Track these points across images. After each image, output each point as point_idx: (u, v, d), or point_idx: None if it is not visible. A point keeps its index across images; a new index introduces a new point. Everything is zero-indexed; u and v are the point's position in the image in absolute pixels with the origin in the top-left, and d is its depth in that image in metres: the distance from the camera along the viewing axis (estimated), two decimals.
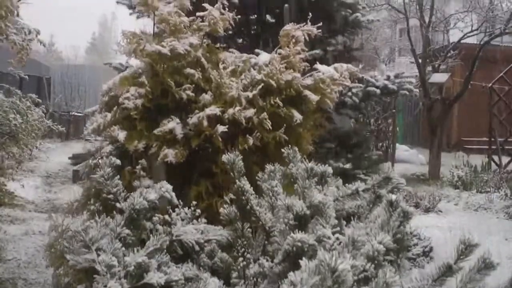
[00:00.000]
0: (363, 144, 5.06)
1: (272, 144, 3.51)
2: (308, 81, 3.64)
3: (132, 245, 2.80)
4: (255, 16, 4.82)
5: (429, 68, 11.84)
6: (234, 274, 2.61)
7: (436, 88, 11.44)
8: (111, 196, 3.04)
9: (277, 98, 3.47)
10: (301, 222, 2.57)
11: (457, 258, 2.19)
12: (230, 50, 4.19)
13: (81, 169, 3.90)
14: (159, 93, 3.52)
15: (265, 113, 3.39)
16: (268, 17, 4.75)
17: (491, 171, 10.62)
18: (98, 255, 2.59)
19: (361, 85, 4.28)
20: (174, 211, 3.11)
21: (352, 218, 2.94)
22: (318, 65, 3.70)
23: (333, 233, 2.46)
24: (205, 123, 3.31)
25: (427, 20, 11.00)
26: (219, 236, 2.95)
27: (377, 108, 11.42)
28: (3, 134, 6.27)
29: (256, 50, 4.04)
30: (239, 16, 3.73)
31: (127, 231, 2.72)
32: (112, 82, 3.66)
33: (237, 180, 2.71)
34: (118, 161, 3.13)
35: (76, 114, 17.96)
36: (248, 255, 2.66)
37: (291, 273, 1.96)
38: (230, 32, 4.01)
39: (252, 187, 2.92)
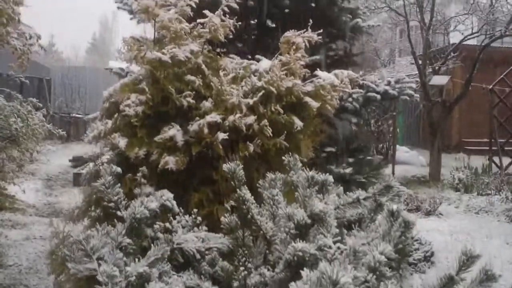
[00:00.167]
0: (364, 148, 5.05)
1: (272, 151, 3.52)
2: (309, 87, 3.64)
3: (133, 253, 2.80)
4: (255, 20, 4.82)
5: (429, 70, 11.84)
6: (235, 283, 2.61)
7: (436, 90, 11.44)
8: (112, 204, 3.05)
9: (277, 105, 3.47)
10: (302, 231, 2.57)
11: (458, 269, 2.19)
12: (230, 56, 4.19)
13: (82, 176, 3.89)
14: (160, 100, 3.52)
15: (265, 120, 3.39)
16: (268, 21, 4.75)
17: (492, 174, 10.62)
18: (99, 264, 2.59)
19: (361, 90, 4.27)
20: (174, 218, 3.12)
21: (353, 225, 2.96)
22: (318, 72, 3.70)
23: (334, 242, 2.46)
24: (206, 130, 3.31)
25: (427, 22, 11.00)
26: (220, 244, 2.95)
27: (377, 110, 11.42)
28: (4, 138, 6.27)
29: (257, 56, 4.05)
30: (240, 23, 3.71)
31: (128, 240, 2.72)
32: (113, 89, 3.66)
33: (238, 189, 2.70)
34: (119, 169, 3.13)
35: (76, 115, 17.98)
36: (249, 264, 2.66)
37: (293, 283, 1.97)
38: (230, 36, 4.00)
39: (252, 194, 2.93)
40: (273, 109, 3.46)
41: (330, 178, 2.80)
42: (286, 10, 4.61)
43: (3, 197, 6.36)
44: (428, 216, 7.31)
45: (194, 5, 3.74)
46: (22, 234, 5.54)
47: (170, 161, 3.32)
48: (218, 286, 2.61)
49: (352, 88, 3.89)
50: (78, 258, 2.80)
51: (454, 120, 16.48)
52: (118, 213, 3.00)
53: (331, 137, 4.78)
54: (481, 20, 12.21)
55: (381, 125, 13.57)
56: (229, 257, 2.87)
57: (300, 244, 2.41)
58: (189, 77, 3.50)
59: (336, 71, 3.77)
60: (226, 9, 3.67)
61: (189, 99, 3.46)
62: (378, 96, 4.36)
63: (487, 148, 12.06)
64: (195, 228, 3.13)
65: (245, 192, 2.70)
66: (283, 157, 3.09)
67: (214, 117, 3.34)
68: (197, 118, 3.42)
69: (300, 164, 3.07)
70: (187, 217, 3.14)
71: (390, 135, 13.55)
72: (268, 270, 2.56)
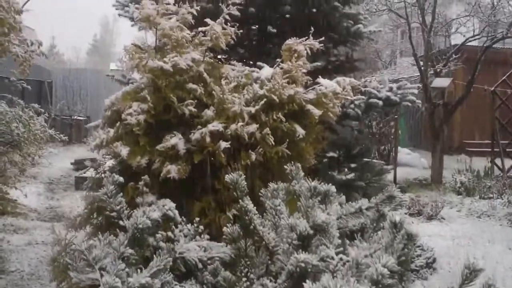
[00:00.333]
0: (366, 153, 5.05)
1: (274, 159, 3.52)
2: (311, 95, 3.64)
3: (136, 264, 2.80)
4: (257, 26, 4.82)
5: (431, 72, 11.83)
6: None
7: (438, 92, 11.43)
8: (114, 214, 3.05)
9: (279, 113, 3.47)
10: (304, 242, 2.58)
11: (461, 283, 2.18)
12: (232, 62, 4.19)
13: (84, 184, 3.89)
14: (162, 109, 3.52)
15: (267, 129, 3.39)
16: (269, 28, 4.74)
17: (494, 176, 10.60)
18: (102, 275, 2.60)
19: (363, 97, 4.27)
20: (177, 227, 3.12)
21: (355, 235, 2.96)
22: (320, 79, 3.70)
23: (337, 253, 2.46)
24: (208, 139, 3.31)
25: (428, 24, 11.00)
26: (222, 254, 2.94)
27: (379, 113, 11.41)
28: (6, 143, 6.28)
29: (258, 63, 4.04)
30: (241, 31, 3.71)
31: (130, 250, 2.72)
32: (114, 97, 3.66)
33: (240, 200, 2.71)
34: (121, 179, 3.13)
35: (78, 118, 17.99)
36: (251, 275, 2.66)
37: None
38: (232, 43, 4.00)
39: (254, 202, 2.93)
40: (275, 117, 3.46)
41: (333, 189, 2.80)
42: (287, 16, 4.59)
43: (5, 202, 6.36)
44: (430, 220, 7.30)
45: (195, 13, 3.74)
46: (24, 239, 5.54)
47: (172, 170, 3.32)
48: None
49: (354, 95, 3.88)
50: (80, 268, 2.81)
51: (456, 122, 16.45)
52: (121, 222, 3.00)
53: (333, 142, 4.78)
54: (483, 22, 12.19)
55: (382, 127, 13.56)
56: (231, 266, 2.87)
57: (302, 255, 2.41)
58: (191, 85, 3.51)
59: (338, 78, 3.77)
60: (227, 17, 3.67)
61: (191, 107, 3.46)
62: (380, 102, 4.35)
63: (489, 149, 12.05)
64: (197, 237, 3.13)
65: (248, 203, 2.70)
66: (285, 166, 3.10)
67: (216, 125, 3.34)
68: (199, 126, 3.42)
69: (302, 173, 3.07)
70: (189, 226, 3.14)
71: (392, 137, 13.53)
72: (270, 281, 2.56)
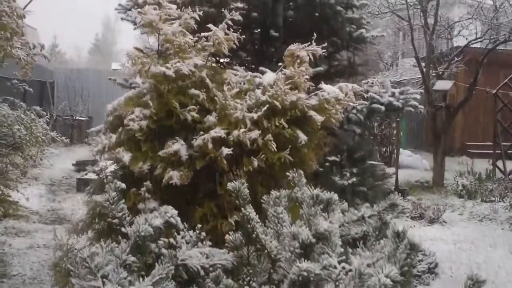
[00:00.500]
0: (368, 158, 5.04)
1: (277, 165, 3.51)
2: (313, 101, 3.63)
3: (138, 271, 2.80)
4: (259, 30, 4.81)
5: (433, 74, 11.82)
6: None
7: (440, 95, 11.42)
8: (116, 220, 3.05)
9: (282, 119, 3.46)
10: (306, 250, 2.57)
11: None
12: (234, 67, 4.19)
13: (86, 190, 3.89)
14: (164, 114, 3.51)
15: (270, 135, 3.39)
16: (272, 32, 4.74)
17: (496, 179, 10.58)
18: (104, 283, 2.59)
19: (365, 102, 4.27)
20: (179, 233, 3.12)
21: (358, 243, 2.96)
22: (323, 85, 3.69)
23: (339, 262, 2.46)
24: (210, 145, 3.31)
25: (431, 27, 10.99)
26: (224, 261, 2.94)
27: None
28: (7, 145, 6.28)
29: (261, 68, 4.04)
30: (243, 36, 3.71)
31: (132, 258, 2.71)
32: (117, 102, 3.66)
33: (242, 208, 2.70)
34: (123, 185, 3.13)
35: (79, 118, 17.99)
36: (254, 284, 2.66)
37: None
38: (234, 47, 4.00)
39: (257, 208, 2.93)
40: (277, 123, 3.45)
41: (335, 197, 2.80)
42: (290, 20, 4.59)
43: (7, 204, 6.35)
44: (431, 224, 7.29)
45: (198, 18, 3.74)
46: (26, 243, 5.53)
47: (175, 176, 3.32)
48: None
49: (356, 100, 3.88)
50: (82, 275, 2.80)
51: (457, 123, 16.43)
52: (123, 229, 3.00)
53: (335, 146, 4.77)
54: (485, 25, 12.18)
55: (384, 129, 13.55)
56: (233, 274, 2.87)
57: (305, 264, 2.41)
58: (193, 91, 3.50)
59: (341, 84, 3.77)
60: (230, 22, 3.66)
61: (193, 113, 3.45)
62: (382, 108, 4.34)
63: (491, 151, 12.03)
64: (199, 244, 3.13)
65: (250, 211, 2.70)
66: (288, 173, 3.10)
67: (219, 132, 3.34)
68: (201, 132, 3.42)
69: (305, 180, 3.07)
70: (191, 232, 3.13)
71: (394, 138, 13.52)
72: None
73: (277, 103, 3.44)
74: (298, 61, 3.64)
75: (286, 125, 3.47)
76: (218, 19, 4.20)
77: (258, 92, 3.53)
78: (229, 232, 2.90)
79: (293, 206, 3.01)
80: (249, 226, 2.67)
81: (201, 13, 3.75)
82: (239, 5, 4.62)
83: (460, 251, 5.91)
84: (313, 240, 2.53)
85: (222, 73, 3.76)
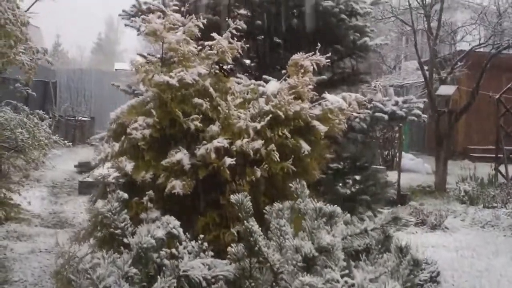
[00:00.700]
0: (370, 165, 5.03)
1: (280, 175, 3.50)
2: (316, 110, 3.62)
3: (139, 283, 2.80)
4: (262, 36, 4.80)
5: (436, 78, 11.81)
6: None
7: (442, 99, 11.41)
8: (118, 231, 3.05)
9: (285, 129, 3.46)
10: (309, 264, 2.57)
11: None
12: (238, 75, 4.18)
13: (89, 198, 3.88)
14: (167, 123, 3.51)
15: (273, 145, 3.38)
16: (276, 40, 4.73)
17: (498, 184, 10.56)
18: None
19: (369, 111, 4.26)
20: (181, 244, 3.11)
21: (360, 255, 2.95)
22: (326, 95, 3.68)
23: (342, 276, 2.45)
24: (213, 155, 3.30)
25: (434, 32, 10.98)
26: (226, 272, 2.93)
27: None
28: (10, 148, 6.30)
29: (264, 76, 4.03)
30: (248, 45, 3.71)
31: (134, 270, 2.72)
32: (120, 110, 3.65)
33: (245, 221, 2.70)
34: (126, 195, 3.13)
35: (82, 119, 18.01)
36: None
37: None
38: (238, 55, 3.99)
39: (259, 218, 2.92)
40: (280, 133, 3.45)
41: (338, 210, 2.79)
42: (294, 28, 4.58)
43: (9, 208, 6.37)
44: (433, 230, 7.27)
45: (201, 26, 3.73)
46: (28, 247, 5.53)
47: (177, 186, 3.32)
48: None
49: (359, 109, 3.87)
50: (84, 286, 2.81)
51: (459, 127, 16.41)
52: (125, 240, 3.00)
53: (337, 154, 4.75)
54: (489, 31, 12.17)
55: (386, 133, 13.53)
56: (235, 284, 2.87)
57: (307, 278, 2.41)
58: (197, 100, 3.50)
59: (344, 94, 3.76)
60: (233, 31, 3.66)
61: (196, 122, 3.45)
62: (386, 117, 4.33)
63: (493, 155, 12.01)
64: (202, 254, 3.13)
65: (253, 224, 2.69)
66: (290, 184, 3.09)
67: (222, 141, 3.33)
68: (204, 142, 3.42)
69: (308, 191, 3.06)
70: (193, 242, 3.13)
71: (396, 142, 13.50)
72: None
73: (281, 113, 3.43)
74: (302, 70, 3.63)
75: (289, 135, 3.46)
76: (222, 26, 4.20)
77: (262, 101, 3.52)
78: (232, 244, 2.90)
79: (296, 217, 3.02)
80: (251, 239, 2.67)
81: (205, 21, 3.75)
82: (243, 12, 4.64)
83: (462, 259, 5.89)
84: (316, 254, 2.53)
85: (225, 82, 3.76)
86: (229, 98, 3.52)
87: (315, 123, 3.56)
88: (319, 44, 3.66)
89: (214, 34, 3.61)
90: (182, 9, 3.77)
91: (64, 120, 16.90)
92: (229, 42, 3.65)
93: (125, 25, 4.56)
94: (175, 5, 3.66)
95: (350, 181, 4.96)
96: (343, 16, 4.44)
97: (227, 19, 3.72)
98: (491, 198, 8.90)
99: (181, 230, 3.04)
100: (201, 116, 3.48)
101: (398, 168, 11.04)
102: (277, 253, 2.72)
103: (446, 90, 11.34)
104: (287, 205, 2.94)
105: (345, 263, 2.57)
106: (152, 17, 3.51)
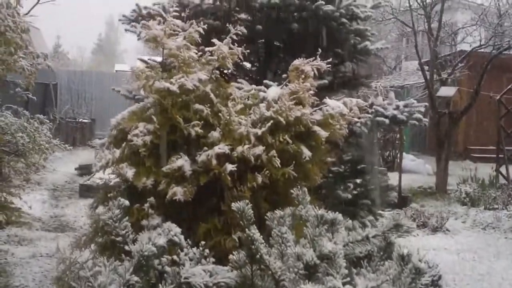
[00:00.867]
0: (371, 169, 5.03)
1: (281, 181, 3.50)
2: (317, 116, 3.62)
3: None
4: (263, 42, 4.80)
5: (436, 79, 11.80)
6: None
7: (443, 101, 11.40)
8: (119, 238, 3.04)
9: (286, 135, 3.45)
10: (310, 271, 2.56)
11: None
12: (239, 80, 4.18)
13: (90, 205, 3.87)
14: (168, 129, 3.51)
15: (274, 151, 3.38)
16: (276, 44, 4.74)
17: (499, 185, 10.55)
18: None
19: (370, 115, 4.25)
20: (182, 250, 3.11)
21: (362, 261, 2.94)
22: (327, 100, 3.68)
23: (344, 284, 2.45)
24: (214, 161, 3.30)
25: (435, 33, 10.97)
26: (227, 279, 2.93)
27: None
28: (10, 152, 6.30)
29: (265, 81, 4.03)
30: (248, 50, 3.70)
31: (135, 278, 2.71)
32: (120, 117, 3.65)
33: (246, 229, 2.69)
34: (127, 202, 3.12)
35: (82, 121, 18.00)
36: None
37: None
38: (238, 60, 3.99)
39: (261, 224, 2.92)
40: (281, 139, 3.44)
41: (340, 217, 2.79)
42: (294, 32, 4.57)
43: (10, 212, 6.36)
44: (435, 232, 7.26)
45: (202, 31, 3.73)
46: (29, 251, 5.52)
47: (178, 192, 3.31)
48: None
49: (360, 113, 3.86)
50: None
51: (460, 127, 16.40)
52: (126, 247, 3.00)
53: (338, 157, 4.75)
54: (489, 32, 12.16)
55: (387, 134, 13.51)
56: None
57: (309, 286, 2.42)
58: (197, 106, 3.50)
59: (345, 99, 3.76)
60: (234, 37, 3.65)
61: (197, 128, 3.44)
62: (387, 121, 4.33)
63: (494, 155, 12.00)
64: (203, 260, 3.12)
65: (254, 232, 2.68)
66: (292, 191, 3.09)
67: (223, 148, 3.33)
68: (205, 148, 3.41)
69: (309, 198, 3.06)
70: (194, 249, 3.12)
71: (397, 142, 13.50)
72: None
73: (282, 119, 3.43)
74: (303, 76, 3.62)
75: (290, 141, 3.46)
76: (222, 31, 4.19)
77: (263, 107, 3.52)
78: (233, 250, 2.90)
79: (297, 223, 3.01)
80: (253, 247, 2.66)
81: (205, 26, 3.74)
82: (243, 16, 4.63)
83: (463, 262, 5.89)
84: (317, 262, 2.53)
85: (226, 87, 3.75)
86: (229, 104, 3.51)
87: (316, 128, 3.56)
88: (319, 49, 3.65)
89: (214, 40, 3.61)
90: (183, 14, 3.76)
91: (65, 122, 16.90)
92: (230, 48, 3.64)
93: (126, 30, 4.55)
94: (175, 10, 3.65)
95: (351, 185, 4.95)
96: (344, 20, 4.43)
97: (227, 24, 3.70)
98: (492, 199, 8.90)
99: (182, 237, 3.04)
100: (202, 122, 3.48)
101: (399, 170, 11.03)
102: (279, 260, 2.72)
103: (447, 91, 11.33)
104: (288, 212, 2.93)
105: (346, 271, 2.57)
106: (152, 23, 3.50)
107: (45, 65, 5.37)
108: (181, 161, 3.38)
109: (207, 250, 3.13)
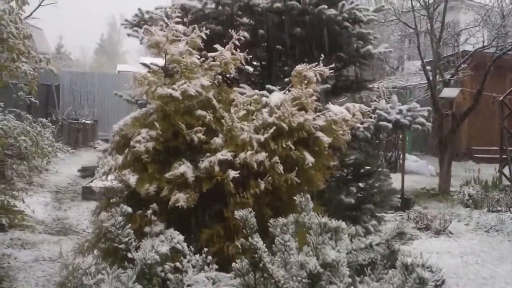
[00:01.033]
0: (374, 173, 5.00)
1: (284, 187, 3.49)
2: (320, 121, 3.61)
3: None
4: (266, 46, 4.79)
5: (439, 80, 11.77)
6: None
7: (446, 102, 11.37)
8: (122, 246, 3.04)
9: (288, 141, 3.45)
10: (314, 280, 2.55)
11: None
12: (241, 85, 4.17)
13: (93, 211, 3.86)
14: (170, 135, 3.50)
15: (276, 157, 3.37)
16: (279, 48, 4.72)
17: (502, 186, 10.53)
18: None
19: (373, 120, 4.24)
20: (185, 257, 3.10)
21: (365, 269, 2.93)
22: (330, 106, 3.67)
23: None
24: (217, 168, 3.30)
25: (437, 34, 10.95)
26: (230, 287, 2.93)
27: None
28: (13, 156, 6.30)
29: (267, 86, 4.01)
30: (250, 56, 3.69)
31: (138, 286, 2.70)
32: (123, 122, 3.64)
33: (249, 238, 2.68)
34: (130, 209, 3.12)
35: (85, 122, 18.01)
36: None
37: None
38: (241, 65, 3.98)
39: (263, 230, 2.91)
40: (284, 145, 3.44)
41: (343, 225, 2.77)
42: (297, 36, 4.56)
43: (13, 215, 6.37)
44: (438, 235, 7.24)
45: (204, 37, 3.73)
46: (32, 255, 5.52)
47: (181, 199, 3.31)
48: None
49: (363, 118, 3.85)
50: None
51: (463, 128, 16.37)
52: (129, 255, 2.99)
53: (341, 162, 4.73)
54: (492, 33, 12.13)
55: (390, 135, 13.47)
56: None
57: None
58: (200, 112, 3.49)
59: (348, 104, 3.75)
60: (236, 42, 3.64)
61: (200, 134, 3.44)
62: (390, 125, 4.31)
63: (497, 156, 11.96)
64: (206, 267, 3.12)
65: (257, 240, 2.67)
66: (295, 197, 3.08)
67: (225, 154, 3.32)
68: (208, 154, 3.41)
69: (312, 205, 3.04)
70: (197, 256, 3.12)
71: (400, 142, 13.47)
72: None
73: (284, 125, 3.42)
74: (306, 81, 3.62)
75: (293, 147, 3.45)
76: (225, 36, 4.19)
77: (265, 113, 3.51)
78: (236, 256, 2.89)
79: (300, 229, 3.00)
80: (256, 255, 2.65)
81: (207, 31, 3.74)
82: (246, 21, 4.62)
83: (467, 265, 5.87)
84: (321, 270, 2.52)
85: (229, 93, 3.75)
86: (232, 110, 3.50)
87: (319, 134, 3.55)
88: (322, 53, 3.64)
89: (217, 46, 3.61)
90: (185, 19, 3.75)
91: (67, 123, 16.91)
92: (232, 53, 3.64)
93: (128, 35, 4.54)
94: (177, 16, 3.64)
95: (354, 189, 4.94)
96: (347, 24, 4.42)
97: (230, 29, 3.70)
98: (496, 201, 8.87)
99: (185, 244, 3.04)
100: (204, 128, 3.47)
101: (402, 172, 11.01)
102: (282, 269, 2.70)
103: (450, 92, 11.30)
104: (291, 220, 2.92)
105: (350, 280, 2.56)
106: (154, 29, 3.50)
107: (48, 69, 5.36)
108: (184, 168, 3.38)
109: (210, 257, 3.13)
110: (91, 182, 9.11)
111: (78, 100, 19.62)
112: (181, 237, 3.02)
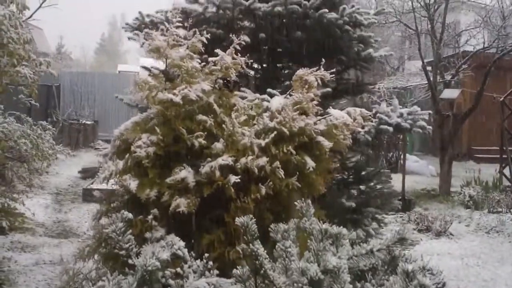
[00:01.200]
0: (375, 176, 5.00)
1: (285, 191, 3.49)
2: (321, 126, 3.61)
3: None
4: (266, 50, 4.78)
5: (440, 80, 11.77)
6: None
7: (446, 103, 11.37)
8: (123, 252, 3.04)
9: (289, 146, 3.44)
10: (315, 286, 2.55)
11: None
12: (242, 89, 4.17)
13: (93, 215, 3.86)
14: (171, 140, 3.50)
15: (277, 162, 3.36)
16: (279, 51, 4.72)
17: (503, 187, 10.52)
18: None
19: (373, 124, 4.23)
20: (186, 263, 3.10)
21: (366, 274, 2.94)
22: (331, 110, 3.67)
23: None
24: (218, 173, 3.29)
25: (438, 35, 10.94)
26: None
27: None
28: (13, 158, 6.30)
29: (268, 90, 4.01)
30: (251, 60, 3.69)
31: None
32: (123, 127, 3.64)
33: (250, 244, 2.68)
34: (130, 215, 3.13)
35: (85, 122, 17.99)
36: None
37: None
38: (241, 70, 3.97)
39: (264, 235, 2.91)
40: (285, 149, 3.43)
41: (344, 231, 2.77)
42: (298, 39, 4.56)
43: (13, 217, 6.37)
44: (438, 237, 7.23)
45: (205, 41, 3.72)
46: (32, 259, 5.51)
47: (182, 204, 3.30)
48: None
49: (364, 121, 3.85)
50: None
51: (464, 128, 16.35)
52: (130, 261, 2.99)
53: (342, 165, 4.73)
54: (493, 34, 12.13)
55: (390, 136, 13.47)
56: None
57: None
58: (201, 116, 3.49)
59: (349, 108, 3.75)
60: (237, 47, 3.64)
61: (201, 139, 3.44)
62: (391, 129, 4.31)
63: (497, 156, 11.95)
64: (207, 273, 3.12)
65: (258, 247, 2.67)
66: (296, 203, 3.07)
67: (226, 159, 3.32)
68: (209, 159, 3.41)
69: (313, 210, 3.04)
70: (198, 261, 3.12)
71: (400, 142, 13.47)
72: None
73: (285, 130, 3.42)
74: (306, 86, 3.61)
75: (294, 152, 3.45)
76: (226, 40, 4.18)
77: (266, 118, 3.50)
78: (237, 261, 2.90)
79: (301, 235, 3.00)
80: (257, 262, 2.65)
81: (208, 35, 3.73)
82: (247, 24, 4.62)
83: (467, 267, 5.86)
84: (322, 277, 2.52)
85: (230, 97, 3.74)
86: (233, 114, 3.50)
87: (320, 138, 3.54)
88: (323, 57, 3.64)
89: (218, 50, 3.60)
90: (186, 23, 3.74)
91: (68, 124, 16.90)
92: (233, 58, 3.64)
93: (129, 38, 4.54)
94: (178, 21, 3.64)
95: (355, 192, 4.93)
96: (347, 27, 4.40)
97: (231, 33, 3.69)
98: (496, 203, 8.86)
99: (186, 250, 3.04)
100: (205, 133, 3.47)
101: (403, 172, 11.00)
102: (283, 275, 2.70)
103: (450, 93, 11.30)
104: (292, 225, 2.91)
105: (351, 286, 2.56)
106: (155, 34, 3.49)
107: (48, 72, 5.36)
108: (185, 173, 3.37)
109: (210, 262, 3.13)
110: (92, 183, 9.10)
111: (78, 100, 19.58)
112: (182, 243, 3.03)
